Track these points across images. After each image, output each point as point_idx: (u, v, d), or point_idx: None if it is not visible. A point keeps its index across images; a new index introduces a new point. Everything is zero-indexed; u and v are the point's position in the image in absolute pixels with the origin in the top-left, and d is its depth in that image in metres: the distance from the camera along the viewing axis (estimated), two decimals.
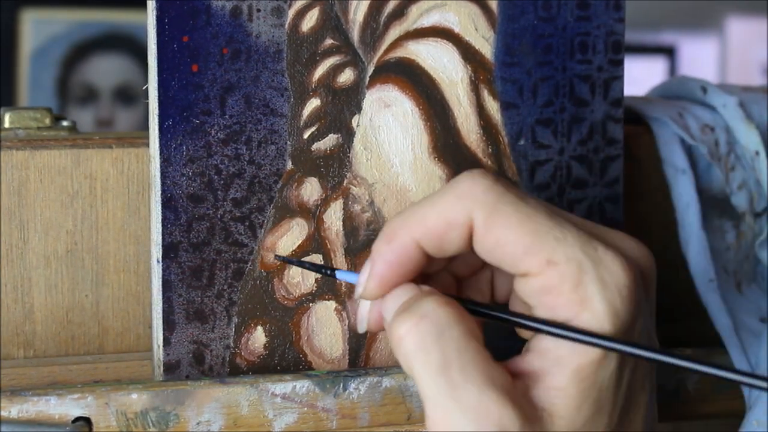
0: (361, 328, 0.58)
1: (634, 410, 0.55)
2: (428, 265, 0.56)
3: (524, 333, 0.57)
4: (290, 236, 0.64)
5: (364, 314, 0.58)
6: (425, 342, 0.52)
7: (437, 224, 0.54)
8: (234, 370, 0.63)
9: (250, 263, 0.63)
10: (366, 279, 0.56)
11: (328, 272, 0.61)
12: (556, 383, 0.53)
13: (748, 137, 0.75)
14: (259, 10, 0.62)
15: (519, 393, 0.52)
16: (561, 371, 0.53)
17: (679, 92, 0.80)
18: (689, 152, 0.76)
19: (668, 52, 2.86)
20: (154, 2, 0.61)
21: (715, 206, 0.76)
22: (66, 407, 0.59)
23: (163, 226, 0.62)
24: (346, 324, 0.65)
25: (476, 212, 0.54)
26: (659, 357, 0.52)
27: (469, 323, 0.54)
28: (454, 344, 0.52)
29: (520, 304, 0.56)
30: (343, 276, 0.61)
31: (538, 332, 0.54)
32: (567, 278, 0.53)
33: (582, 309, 0.53)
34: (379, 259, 0.55)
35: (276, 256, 0.63)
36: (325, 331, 0.65)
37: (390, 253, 0.55)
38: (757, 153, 0.75)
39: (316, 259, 0.64)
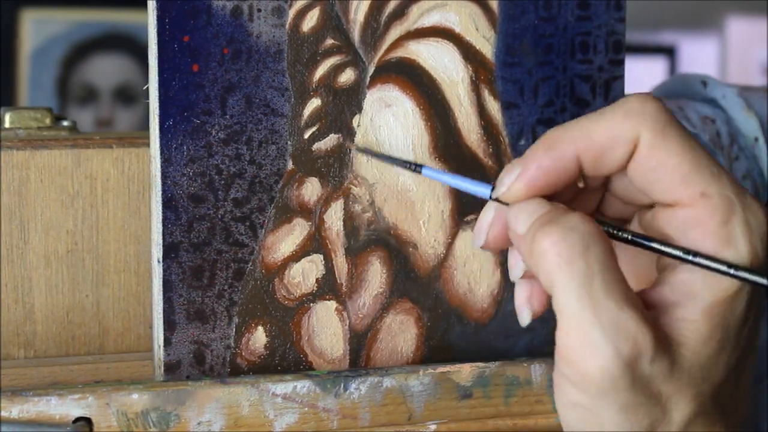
0: (479, 242, 0.57)
1: (747, 358, 0.56)
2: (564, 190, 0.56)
3: (640, 265, 0.58)
4: (291, 236, 0.64)
5: (485, 226, 0.56)
6: (572, 254, 0.52)
7: (603, 139, 0.54)
8: (235, 370, 0.63)
9: (250, 263, 0.63)
10: (513, 180, 0.55)
11: (414, 167, 0.59)
12: (687, 315, 0.53)
13: (747, 124, 0.76)
14: (259, 10, 0.62)
15: (652, 319, 0.53)
16: (694, 304, 0.53)
17: (679, 90, 0.80)
18: None
19: (668, 52, 2.86)
20: (154, 2, 0.61)
21: None
22: (67, 407, 0.59)
23: (163, 226, 0.62)
24: (347, 324, 0.65)
25: (644, 131, 0.54)
26: None
27: (610, 244, 0.53)
28: (598, 259, 0.52)
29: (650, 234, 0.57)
30: (430, 173, 0.59)
31: (684, 262, 0.54)
32: (717, 214, 0.53)
33: (726, 246, 0.53)
34: (533, 164, 0.54)
35: (357, 147, 0.62)
36: (325, 331, 0.65)
37: (547, 159, 0.54)
38: (756, 139, 0.75)
39: (317, 259, 0.64)
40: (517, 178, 0.55)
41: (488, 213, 0.57)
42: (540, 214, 0.54)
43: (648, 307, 0.54)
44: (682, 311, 0.54)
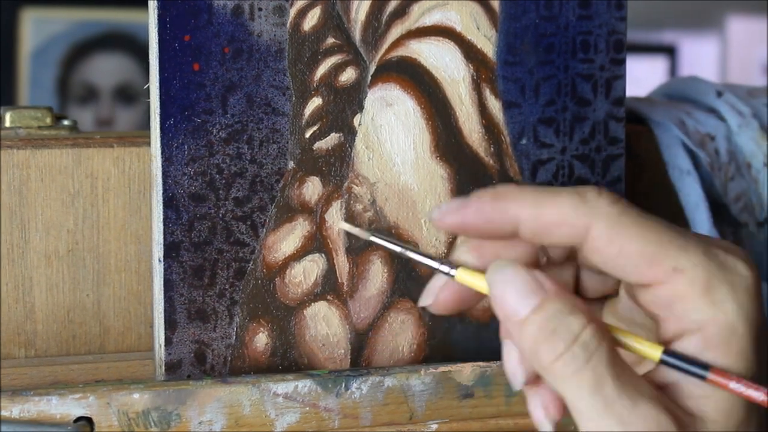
0: (517, 385, 0.56)
1: None
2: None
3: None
4: (292, 235, 0.64)
5: (516, 369, 0.55)
6: (577, 365, 0.52)
7: (551, 215, 0.54)
8: (236, 369, 0.63)
9: (251, 263, 0.63)
10: (449, 213, 0.54)
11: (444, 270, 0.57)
12: (700, 392, 0.53)
13: (753, 148, 0.75)
14: (260, 9, 0.62)
15: (668, 401, 0.53)
16: (702, 382, 0.53)
17: (688, 93, 0.79)
18: (693, 154, 0.76)
19: (669, 52, 2.86)
20: (155, 1, 0.61)
21: (716, 212, 0.76)
22: (67, 407, 0.59)
23: (164, 225, 0.62)
24: (348, 323, 0.65)
25: (598, 222, 0.54)
26: None
27: (611, 339, 0.54)
28: (604, 363, 0.52)
29: (636, 315, 0.57)
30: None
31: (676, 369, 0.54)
32: (696, 284, 0.53)
33: (715, 311, 0.53)
34: (474, 203, 0.54)
35: (373, 235, 0.59)
36: (326, 330, 0.65)
37: (490, 208, 0.54)
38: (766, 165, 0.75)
39: (318, 258, 0.64)
40: (457, 209, 0.54)
41: (510, 353, 0.56)
42: (533, 305, 0.53)
43: (662, 389, 0.54)
44: (694, 388, 0.53)
